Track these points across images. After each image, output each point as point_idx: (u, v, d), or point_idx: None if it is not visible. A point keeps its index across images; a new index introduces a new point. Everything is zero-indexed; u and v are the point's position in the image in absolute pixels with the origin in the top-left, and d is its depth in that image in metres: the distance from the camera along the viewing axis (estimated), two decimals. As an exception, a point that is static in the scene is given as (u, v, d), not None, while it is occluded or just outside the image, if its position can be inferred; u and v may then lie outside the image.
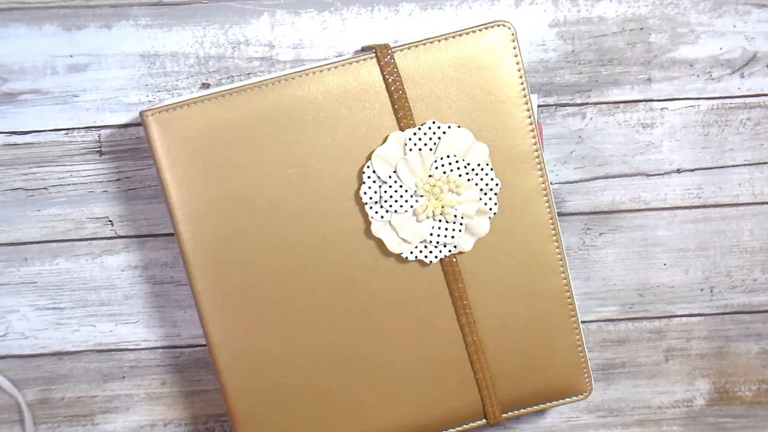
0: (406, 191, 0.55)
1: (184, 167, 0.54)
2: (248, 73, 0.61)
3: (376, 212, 0.55)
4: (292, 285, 0.56)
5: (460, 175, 0.55)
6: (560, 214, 0.64)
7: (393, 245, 0.56)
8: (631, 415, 0.67)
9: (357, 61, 0.55)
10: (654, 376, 0.66)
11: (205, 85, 0.61)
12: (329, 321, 0.57)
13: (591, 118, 0.63)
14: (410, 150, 0.55)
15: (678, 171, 0.64)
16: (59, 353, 0.63)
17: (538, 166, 0.57)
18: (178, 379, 0.64)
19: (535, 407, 0.60)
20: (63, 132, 0.61)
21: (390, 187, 0.55)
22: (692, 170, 0.64)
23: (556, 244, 0.58)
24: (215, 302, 0.56)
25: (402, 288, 0.57)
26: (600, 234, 0.65)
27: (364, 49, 0.57)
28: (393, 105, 0.55)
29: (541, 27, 0.62)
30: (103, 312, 0.63)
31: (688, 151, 0.64)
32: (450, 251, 0.56)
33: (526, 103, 0.56)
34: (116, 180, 0.61)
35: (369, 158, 0.55)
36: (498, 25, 0.55)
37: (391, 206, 0.55)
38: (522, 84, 0.56)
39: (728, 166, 0.64)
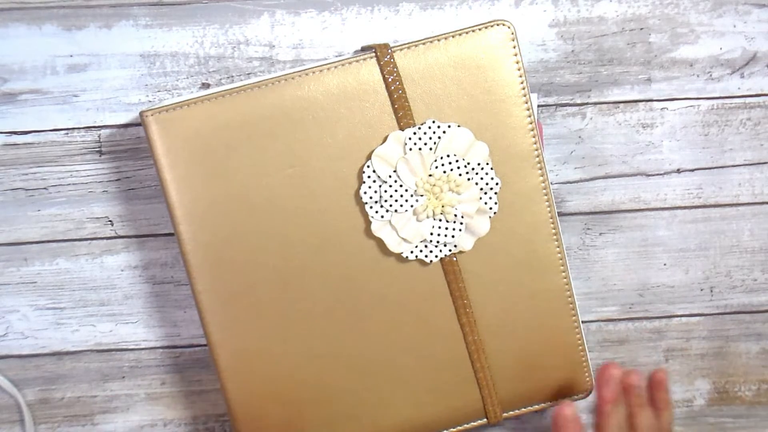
0: (406, 191, 0.55)
1: (184, 167, 0.54)
2: (248, 73, 0.61)
3: (377, 212, 0.55)
4: (292, 285, 0.56)
5: (460, 175, 0.55)
6: (560, 214, 0.64)
7: (393, 245, 0.56)
8: (632, 415, 0.67)
9: (357, 61, 0.55)
10: (654, 376, 0.66)
11: (205, 85, 0.61)
12: (329, 321, 0.57)
13: (591, 118, 0.63)
14: (410, 149, 0.55)
15: (678, 171, 0.64)
16: (59, 353, 0.63)
17: (538, 165, 0.57)
18: (178, 379, 0.64)
19: (536, 406, 0.60)
20: (63, 132, 0.61)
21: (390, 186, 0.55)
22: (692, 170, 0.64)
23: (556, 243, 0.58)
24: (215, 302, 0.56)
25: (402, 287, 0.57)
26: (600, 234, 0.65)
27: (364, 49, 0.57)
28: (393, 104, 0.55)
29: (541, 27, 0.62)
30: (103, 312, 0.63)
31: (688, 151, 0.64)
32: (450, 251, 0.56)
33: (526, 103, 0.56)
34: (116, 180, 0.61)
35: (369, 158, 0.55)
36: (498, 25, 0.55)
37: (391, 206, 0.55)
38: (522, 83, 0.56)
39: (728, 166, 0.64)
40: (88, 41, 0.60)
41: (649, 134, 0.63)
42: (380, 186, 0.55)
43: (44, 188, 0.61)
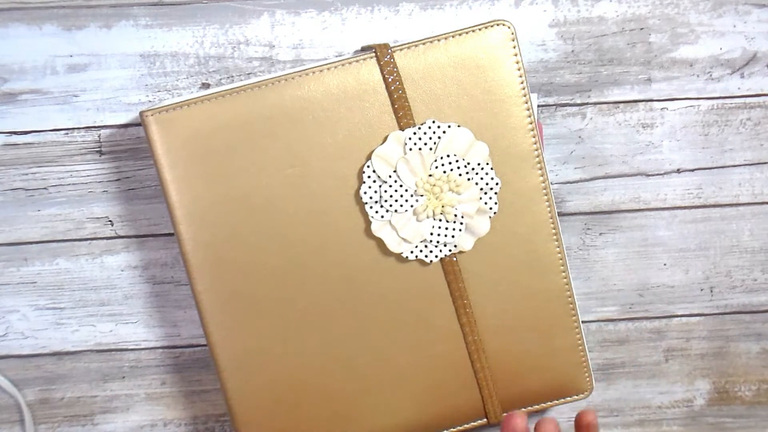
0: (407, 191, 0.55)
1: (184, 167, 0.54)
2: (248, 73, 0.61)
3: (377, 212, 0.55)
4: (292, 285, 0.56)
5: (460, 175, 0.55)
6: (560, 214, 0.64)
7: (393, 245, 0.56)
8: (631, 415, 0.67)
9: (357, 61, 0.55)
10: (654, 376, 0.66)
11: (205, 85, 0.61)
12: (329, 321, 0.57)
13: (591, 118, 0.63)
14: (410, 149, 0.55)
15: (678, 171, 0.64)
16: (59, 353, 0.63)
17: (538, 165, 0.57)
18: (178, 379, 0.64)
19: (536, 406, 0.60)
20: (63, 132, 0.61)
21: (390, 186, 0.55)
22: (692, 170, 0.64)
23: (556, 243, 0.58)
24: (215, 302, 0.56)
25: (402, 287, 0.57)
26: (600, 234, 0.65)
27: (364, 49, 0.57)
28: (393, 104, 0.55)
29: (541, 27, 0.62)
30: (103, 312, 0.63)
31: (688, 151, 0.64)
32: (450, 251, 0.56)
33: (526, 103, 0.56)
34: (116, 180, 0.61)
35: (369, 158, 0.55)
36: (498, 25, 0.55)
37: (391, 206, 0.55)
38: (522, 83, 0.56)
39: (728, 166, 0.64)
40: (88, 41, 0.60)
41: (649, 134, 0.63)
42: (380, 186, 0.55)
43: (44, 188, 0.61)
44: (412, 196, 0.55)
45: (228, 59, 0.61)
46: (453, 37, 0.55)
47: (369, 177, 0.55)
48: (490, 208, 0.56)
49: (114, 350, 0.64)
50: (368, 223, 0.56)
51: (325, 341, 0.57)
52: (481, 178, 0.56)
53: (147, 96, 0.61)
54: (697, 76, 0.63)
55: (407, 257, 0.56)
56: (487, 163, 0.56)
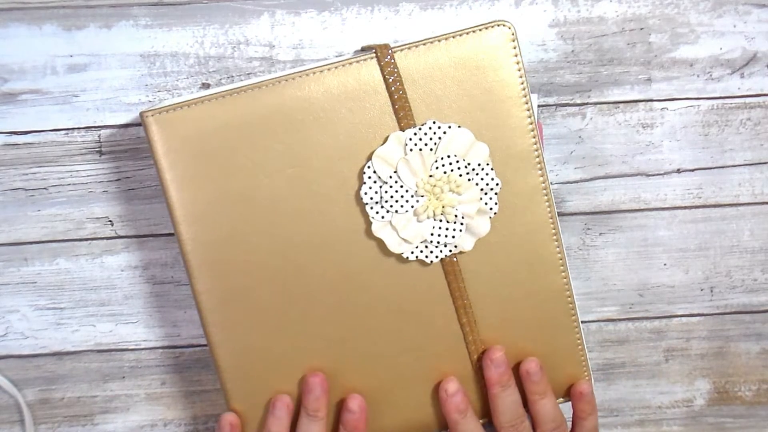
0: (407, 191, 0.55)
1: (184, 167, 0.54)
2: (248, 73, 0.61)
3: (377, 212, 0.55)
4: (292, 285, 0.56)
5: (460, 175, 0.55)
6: (560, 214, 0.64)
7: (394, 245, 0.56)
8: (631, 415, 0.67)
9: (357, 61, 0.55)
10: (654, 376, 0.67)
11: (205, 85, 0.61)
12: (329, 321, 0.57)
13: (591, 118, 0.63)
14: (411, 150, 0.55)
15: (678, 171, 0.64)
16: (59, 353, 0.63)
17: (539, 165, 0.57)
18: (178, 379, 0.64)
19: (536, 407, 0.60)
20: (63, 132, 0.61)
21: (390, 187, 0.55)
22: (692, 170, 0.64)
23: (556, 243, 0.58)
24: (215, 302, 0.56)
25: (403, 288, 0.57)
26: (600, 234, 0.65)
27: (364, 49, 0.57)
28: (393, 105, 0.55)
29: (541, 27, 0.62)
30: (103, 312, 0.63)
31: (688, 151, 0.64)
32: (451, 251, 0.56)
33: (527, 103, 0.56)
34: (116, 180, 0.61)
35: (369, 158, 0.55)
36: (498, 25, 0.55)
37: (391, 206, 0.55)
38: (522, 83, 0.56)
39: (728, 166, 0.64)
40: (88, 41, 0.60)
41: (649, 134, 0.63)
42: (381, 186, 0.55)
43: (44, 188, 0.61)
44: (412, 196, 0.55)
45: (228, 59, 0.61)
46: (453, 37, 0.55)
47: (369, 177, 0.55)
48: (491, 209, 0.56)
49: (114, 350, 0.64)
50: (368, 223, 0.56)
51: (325, 341, 0.57)
52: (482, 179, 0.56)
53: (147, 96, 0.61)
54: (697, 76, 0.63)
55: (407, 258, 0.56)
56: (488, 164, 0.56)
